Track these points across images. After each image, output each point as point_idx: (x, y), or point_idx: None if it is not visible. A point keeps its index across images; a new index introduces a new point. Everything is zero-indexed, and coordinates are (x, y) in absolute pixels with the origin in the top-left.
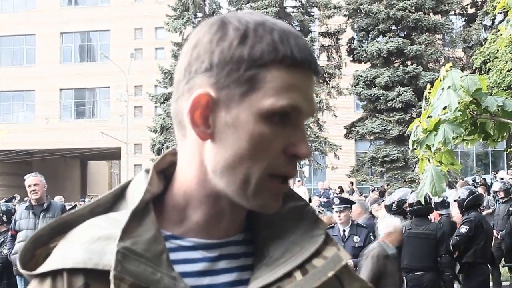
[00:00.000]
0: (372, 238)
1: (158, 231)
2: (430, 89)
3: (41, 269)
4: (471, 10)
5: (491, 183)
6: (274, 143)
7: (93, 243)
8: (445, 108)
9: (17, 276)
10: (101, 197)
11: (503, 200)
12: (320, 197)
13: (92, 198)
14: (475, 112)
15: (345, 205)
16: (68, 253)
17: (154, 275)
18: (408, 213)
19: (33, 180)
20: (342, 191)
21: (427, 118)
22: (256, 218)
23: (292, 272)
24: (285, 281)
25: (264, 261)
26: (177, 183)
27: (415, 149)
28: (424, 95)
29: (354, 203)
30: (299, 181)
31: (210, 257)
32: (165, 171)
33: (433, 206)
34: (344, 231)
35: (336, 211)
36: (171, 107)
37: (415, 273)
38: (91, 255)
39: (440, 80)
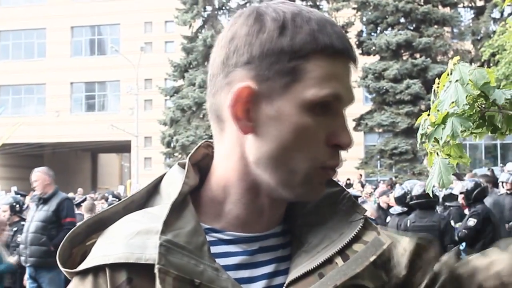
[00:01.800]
0: None
1: (198, 223)
2: (438, 83)
3: (82, 266)
4: (479, 3)
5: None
6: (317, 133)
7: (133, 237)
8: (453, 102)
9: (30, 268)
10: (135, 193)
11: (508, 192)
12: None
13: (98, 191)
14: (483, 106)
15: None
16: (109, 249)
17: (197, 267)
18: (413, 206)
19: (33, 176)
20: (350, 183)
21: (435, 112)
22: (292, 208)
23: (332, 258)
24: (327, 267)
25: (302, 248)
26: (215, 177)
27: (423, 142)
28: (432, 89)
29: (356, 197)
30: None
31: (250, 250)
32: (198, 164)
33: (441, 199)
34: None
35: None
36: (206, 102)
37: None
38: (133, 250)
39: (448, 74)
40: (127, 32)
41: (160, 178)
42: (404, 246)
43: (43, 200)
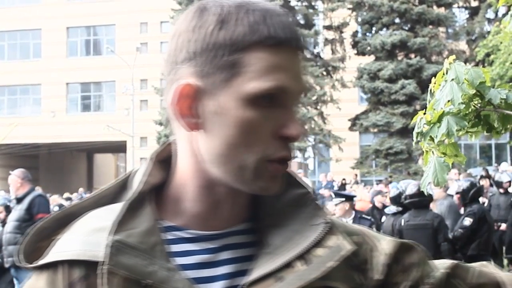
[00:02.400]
0: (374, 230)
1: (154, 222)
2: (434, 82)
3: (41, 261)
4: (474, 3)
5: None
6: (263, 127)
7: (90, 234)
8: (449, 101)
9: (11, 269)
10: (105, 188)
11: (502, 192)
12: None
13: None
14: (478, 105)
15: (340, 199)
16: (67, 244)
17: (148, 268)
18: (406, 205)
19: (8, 179)
20: (344, 183)
21: (431, 110)
22: (258, 207)
23: (292, 262)
24: (286, 270)
25: (264, 249)
26: (175, 175)
27: (419, 141)
28: (428, 89)
29: (349, 196)
30: (300, 173)
31: (211, 248)
32: (167, 161)
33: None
34: (347, 222)
35: (334, 205)
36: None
37: None
38: (88, 247)
39: (443, 73)
40: (122, 32)
41: (131, 173)
42: (383, 249)
43: (17, 200)
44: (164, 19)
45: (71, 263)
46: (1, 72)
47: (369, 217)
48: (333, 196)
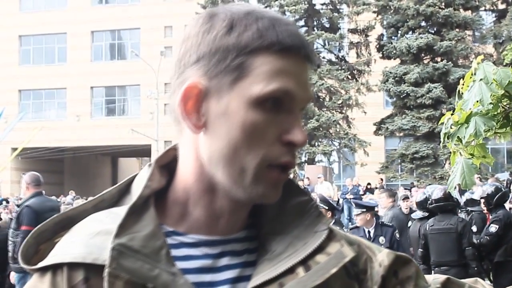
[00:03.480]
0: (397, 236)
1: (157, 226)
2: (462, 84)
3: (42, 263)
4: (501, 6)
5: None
6: (267, 130)
7: (93, 237)
8: (477, 101)
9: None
10: (106, 192)
11: None
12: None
13: None
14: (507, 106)
15: (362, 210)
16: (68, 247)
17: (151, 271)
18: (432, 209)
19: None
20: (370, 188)
21: (459, 111)
22: (260, 214)
23: (294, 268)
24: (288, 277)
25: (266, 256)
26: (178, 179)
27: (446, 142)
28: (457, 90)
29: (370, 207)
30: (319, 177)
31: (212, 254)
32: (169, 166)
33: (462, 204)
34: (369, 232)
35: (355, 215)
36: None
37: (441, 268)
38: (91, 250)
39: (472, 73)
40: (147, 36)
41: (133, 178)
42: (380, 261)
43: (17, 206)
44: (188, 23)
45: (72, 266)
46: (26, 76)
47: (390, 224)
48: (354, 206)
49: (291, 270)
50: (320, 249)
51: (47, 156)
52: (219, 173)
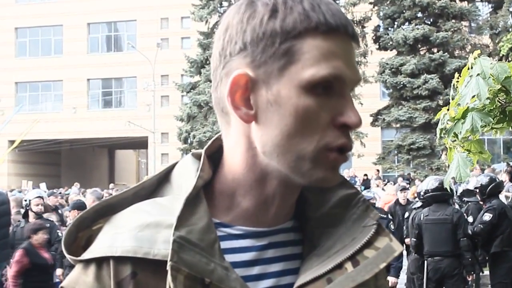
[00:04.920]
0: (392, 227)
1: (210, 219)
2: (458, 78)
3: (87, 255)
4: None
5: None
6: (321, 115)
7: (142, 230)
8: (474, 96)
9: None
10: (146, 180)
11: None
12: None
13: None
14: (504, 100)
15: None
16: (116, 240)
17: (208, 266)
18: (427, 199)
19: None
20: (367, 179)
21: (456, 106)
22: (304, 204)
23: (343, 263)
24: (336, 272)
25: (314, 251)
26: (225, 169)
27: (442, 137)
28: (452, 84)
29: None
30: None
31: (260, 245)
32: (213, 156)
33: (459, 194)
34: None
35: None
36: (212, 97)
37: (435, 258)
38: (141, 243)
39: (468, 68)
40: (143, 28)
41: (172, 167)
42: None
43: None
44: (185, 15)
45: (118, 260)
46: (22, 68)
47: (385, 216)
48: None
49: (339, 266)
50: (368, 243)
51: (44, 149)
52: (275, 162)
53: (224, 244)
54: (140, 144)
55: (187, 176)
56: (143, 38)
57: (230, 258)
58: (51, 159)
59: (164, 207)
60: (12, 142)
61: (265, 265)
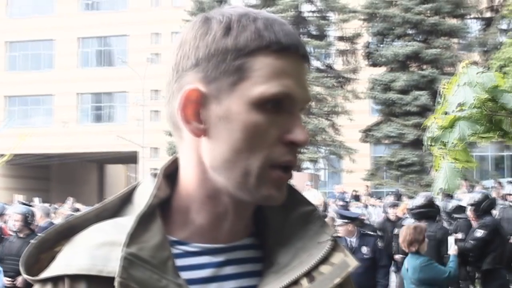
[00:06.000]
0: (379, 245)
1: (164, 237)
2: (445, 85)
3: (44, 274)
4: (487, 14)
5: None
6: (269, 131)
7: (97, 249)
8: (461, 104)
9: None
10: (108, 201)
11: None
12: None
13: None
14: (491, 109)
15: (344, 221)
16: (72, 258)
17: (159, 282)
18: (414, 216)
19: None
20: (357, 195)
21: (443, 114)
22: (264, 223)
23: (298, 280)
24: None
25: (272, 268)
26: (180, 186)
27: (430, 145)
28: (438, 91)
29: (353, 218)
30: (308, 184)
31: (216, 262)
32: (172, 175)
33: (449, 211)
34: (351, 242)
35: (337, 225)
36: (165, 111)
37: None
38: (95, 261)
39: (457, 77)
40: (134, 43)
41: (134, 187)
42: None
43: None
44: (175, 30)
45: (74, 278)
46: (13, 82)
47: (373, 234)
48: (337, 216)
49: (295, 282)
50: (324, 260)
51: (34, 163)
52: (223, 177)
53: (181, 262)
54: (129, 158)
55: (145, 195)
56: (134, 53)
57: (186, 275)
58: (41, 174)
59: (122, 227)
60: (1, 156)
61: (222, 281)
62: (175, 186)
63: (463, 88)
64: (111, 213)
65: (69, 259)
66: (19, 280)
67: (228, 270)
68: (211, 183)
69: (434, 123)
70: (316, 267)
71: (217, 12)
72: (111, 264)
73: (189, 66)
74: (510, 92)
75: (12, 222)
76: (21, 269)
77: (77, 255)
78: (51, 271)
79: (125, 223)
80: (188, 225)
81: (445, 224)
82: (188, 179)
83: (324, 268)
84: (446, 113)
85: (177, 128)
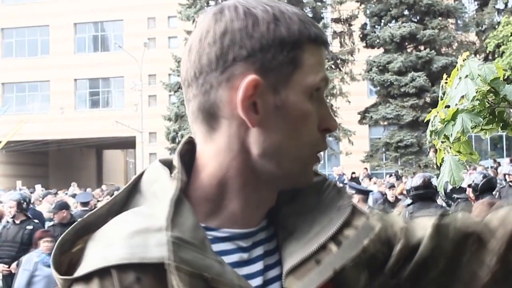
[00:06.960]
0: None
1: (196, 218)
2: (446, 79)
3: (82, 271)
4: None
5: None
6: (315, 119)
7: (132, 238)
8: (462, 97)
9: None
10: (117, 194)
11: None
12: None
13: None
14: (493, 101)
15: (351, 192)
16: (108, 251)
17: (203, 261)
18: (412, 197)
19: None
20: (356, 177)
21: (445, 108)
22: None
23: (326, 244)
24: (321, 253)
25: (291, 237)
26: (207, 175)
27: (433, 139)
28: (440, 84)
29: (361, 191)
30: None
31: (245, 247)
32: (183, 160)
33: (449, 191)
34: None
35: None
36: (194, 101)
37: None
38: (134, 250)
39: (457, 70)
40: (130, 28)
41: (139, 177)
42: (423, 225)
43: None
44: (171, 14)
45: (120, 268)
46: (9, 69)
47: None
48: (347, 187)
49: (323, 247)
50: (346, 223)
51: (32, 149)
52: (272, 164)
53: (212, 247)
54: (128, 144)
55: (161, 182)
56: (130, 38)
57: None
58: (39, 160)
59: (145, 215)
60: None
61: (252, 265)
62: (192, 172)
63: (465, 81)
64: (120, 206)
65: (105, 253)
66: (14, 267)
67: (257, 252)
68: (253, 171)
69: (436, 117)
70: (340, 231)
71: (246, 3)
72: (151, 250)
73: (241, 56)
74: (510, 84)
75: (8, 209)
76: (54, 273)
77: (111, 247)
78: (90, 266)
79: (146, 211)
80: (217, 212)
81: (444, 205)
82: (222, 167)
83: (349, 231)
84: (448, 107)
85: (213, 118)
